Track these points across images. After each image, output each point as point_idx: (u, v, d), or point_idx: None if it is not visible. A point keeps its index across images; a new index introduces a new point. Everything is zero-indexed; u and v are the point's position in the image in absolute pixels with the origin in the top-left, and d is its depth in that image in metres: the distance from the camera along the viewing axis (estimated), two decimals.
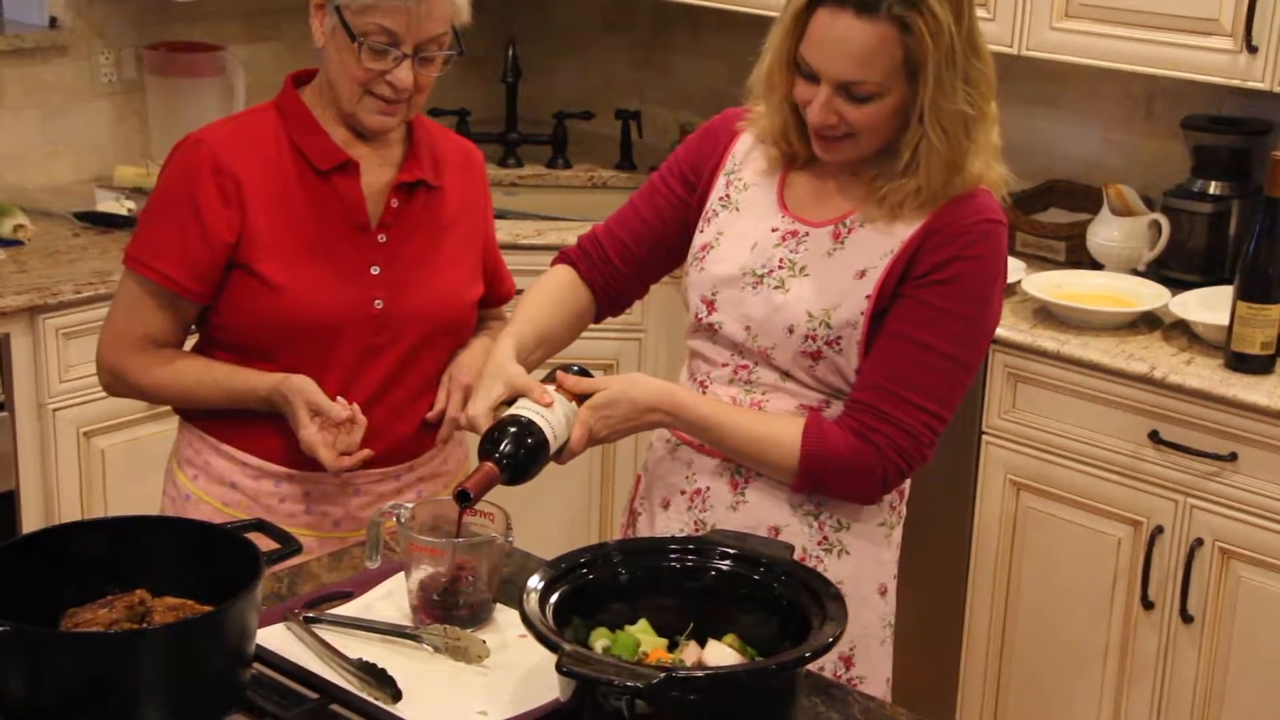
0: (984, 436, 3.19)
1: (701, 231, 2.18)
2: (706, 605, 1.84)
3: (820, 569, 2.08)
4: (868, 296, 2.04)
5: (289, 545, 1.85)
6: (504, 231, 3.66)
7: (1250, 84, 3.06)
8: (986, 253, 2.05)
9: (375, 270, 2.28)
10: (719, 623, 1.82)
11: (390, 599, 2.01)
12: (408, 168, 2.32)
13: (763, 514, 2.11)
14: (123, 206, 3.59)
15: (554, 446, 1.97)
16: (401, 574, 2.00)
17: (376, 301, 2.28)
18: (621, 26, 4.47)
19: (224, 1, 3.89)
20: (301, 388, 2.21)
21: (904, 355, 2.03)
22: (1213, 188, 3.36)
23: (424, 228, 2.33)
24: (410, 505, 1.99)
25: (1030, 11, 3.28)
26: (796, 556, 1.90)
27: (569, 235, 3.66)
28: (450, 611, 1.94)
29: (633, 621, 1.82)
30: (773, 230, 2.12)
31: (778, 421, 2.08)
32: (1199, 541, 2.95)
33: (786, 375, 2.10)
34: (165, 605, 1.74)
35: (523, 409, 1.98)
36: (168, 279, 2.25)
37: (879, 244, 2.05)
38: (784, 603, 1.81)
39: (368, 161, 2.30)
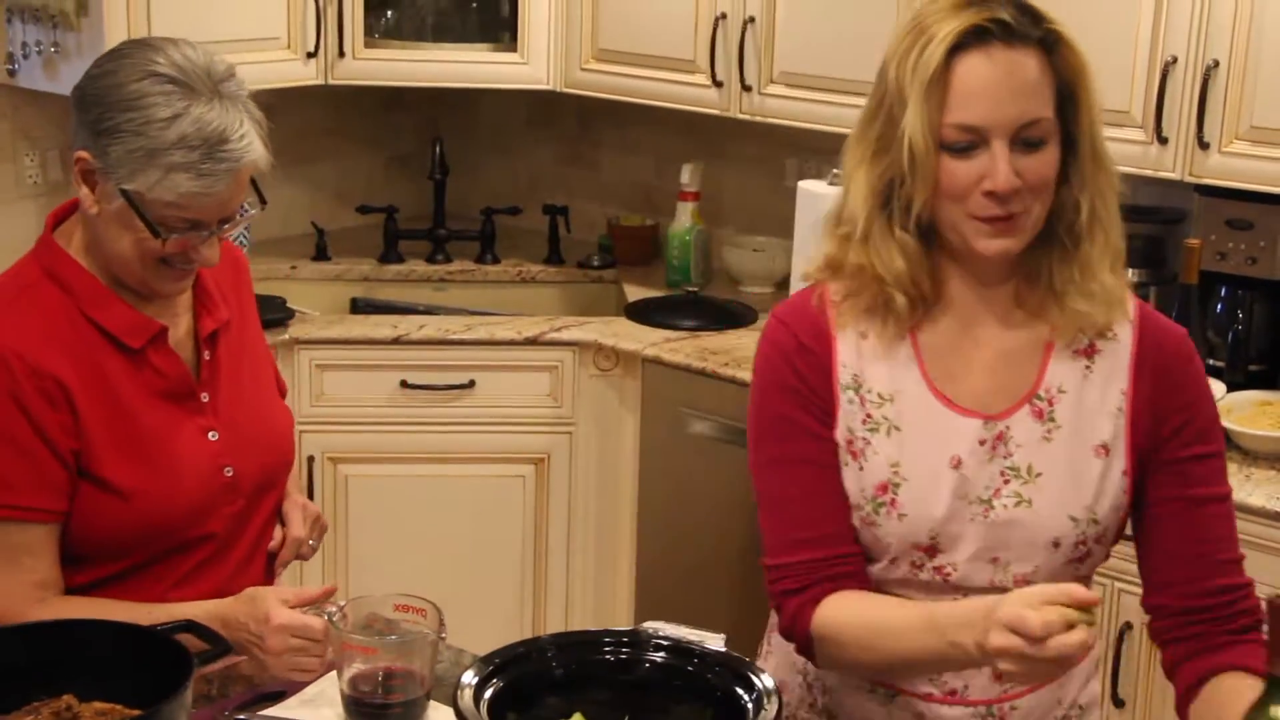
0: None
1: (861, 469, 1.83)
2: (641, 698, 1.83)
3: None
4: (1124, 473, 1.83)
5: (219, 646, 1.83)
6: (432, 327, 3.68)
7: (1162, 174, 3.12)
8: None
9: (213, 436, 2.11)
10: (654, 715, 1.81)
11: (323, 698, 1.99)
12: (209, 313, 2.12)
13: None
14: None
15: None
16: (334, 673, 1.99)
17: (226, 470, 2.11)
18: (547, 123, 4.51)
19: None
20: (262, 607, 1.95)
21: (1207, 516, 1.84)
22: (1130, 275, 3.42)
23: (233, 368, 2.16)
24: (341, 604, 1.98)
25: None
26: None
27: (498, 330, 3.67)
28: (384, 710, 1.93)
29: (567, 716, 1.81)
30: (966, 437, 1.81)
31: None
32: None
33: None
34: (93, 711, 1.71)
35: None
36: (33, 510, 1.97)
37: (1092, 404, 1.82)
38: (718, 694, 1.80)
39: (164, 315, 2.07)
